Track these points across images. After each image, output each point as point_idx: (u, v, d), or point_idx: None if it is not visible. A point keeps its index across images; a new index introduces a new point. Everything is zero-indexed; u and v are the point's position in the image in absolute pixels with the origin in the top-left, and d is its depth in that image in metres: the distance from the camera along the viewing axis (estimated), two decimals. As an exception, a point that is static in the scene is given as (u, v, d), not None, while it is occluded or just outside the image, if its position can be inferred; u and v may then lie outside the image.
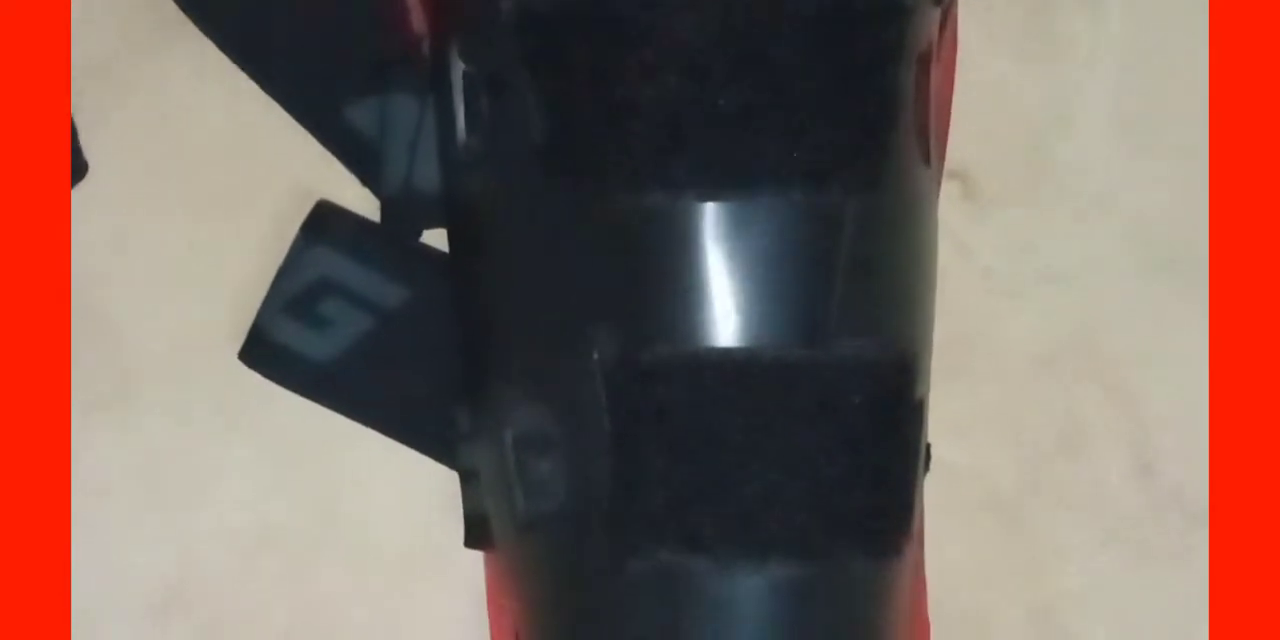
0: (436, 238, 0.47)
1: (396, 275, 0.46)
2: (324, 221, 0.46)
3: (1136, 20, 0.49)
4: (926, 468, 0.45)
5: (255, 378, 0.47)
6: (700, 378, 0.40)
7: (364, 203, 0.47)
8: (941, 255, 0.45)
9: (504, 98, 0.42)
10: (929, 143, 0.43)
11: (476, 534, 0.45)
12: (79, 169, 0.47)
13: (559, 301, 0.41)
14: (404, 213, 0.46)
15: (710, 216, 0.40)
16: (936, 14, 0.43)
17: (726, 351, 0.40)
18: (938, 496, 0.46)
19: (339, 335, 0.46)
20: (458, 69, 0.44)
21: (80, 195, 0.47)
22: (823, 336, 0.40)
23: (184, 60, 0.47)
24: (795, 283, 0.40)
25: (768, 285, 0.40)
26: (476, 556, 0.46)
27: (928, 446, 0.44)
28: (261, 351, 0.46)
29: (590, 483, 0.41)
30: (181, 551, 0.46)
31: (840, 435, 0.40)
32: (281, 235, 0.47)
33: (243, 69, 0.47)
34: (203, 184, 0.48)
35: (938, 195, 0.44)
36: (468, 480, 0.45)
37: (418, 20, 0.47)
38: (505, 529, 0.43)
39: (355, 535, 0.47)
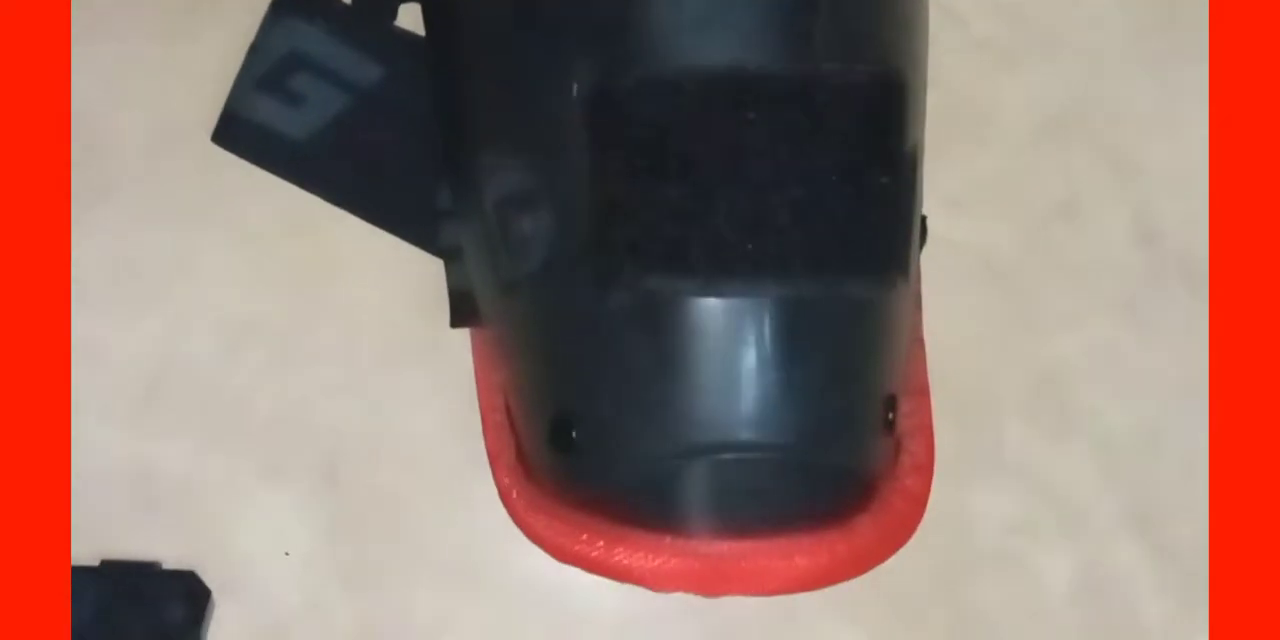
0: (409, 22, 0.46)
1: (371, 53, 0.45)
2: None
3: None
4: (923, 241, 0.44)
5: (233, 168, 0.46)
6: (682, 97, 0.38)
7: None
8: (935, 26, 0.44)
9: None
10: None
11: (462, 311, 0.44)
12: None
13: (537, 48, 0.40)
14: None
15: None
16: None
17: (709, 69, 0.38)
18: (935, 269, 0.45)
19: (314, 112, 0.45)
20: None
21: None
22: (810, 54, 0.38)
23: None
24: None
25: (751, 2, 0.38)
26: (463, 339, 0.45)
27: (923, 219, 0.43)
28: (236, 130, 0.45)
29: (572, 227, 0.39)
30: (164, 343, 0.46)
31: (830, 156, 0.38)
32: (254, 26, 0.45)
33: None
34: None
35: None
36: (451, 258, 0.44)
37: None
38: (490, 298, 0.42)
39: (339, 322, 0.46)
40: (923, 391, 0.44)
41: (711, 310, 0.38)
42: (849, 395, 0.40)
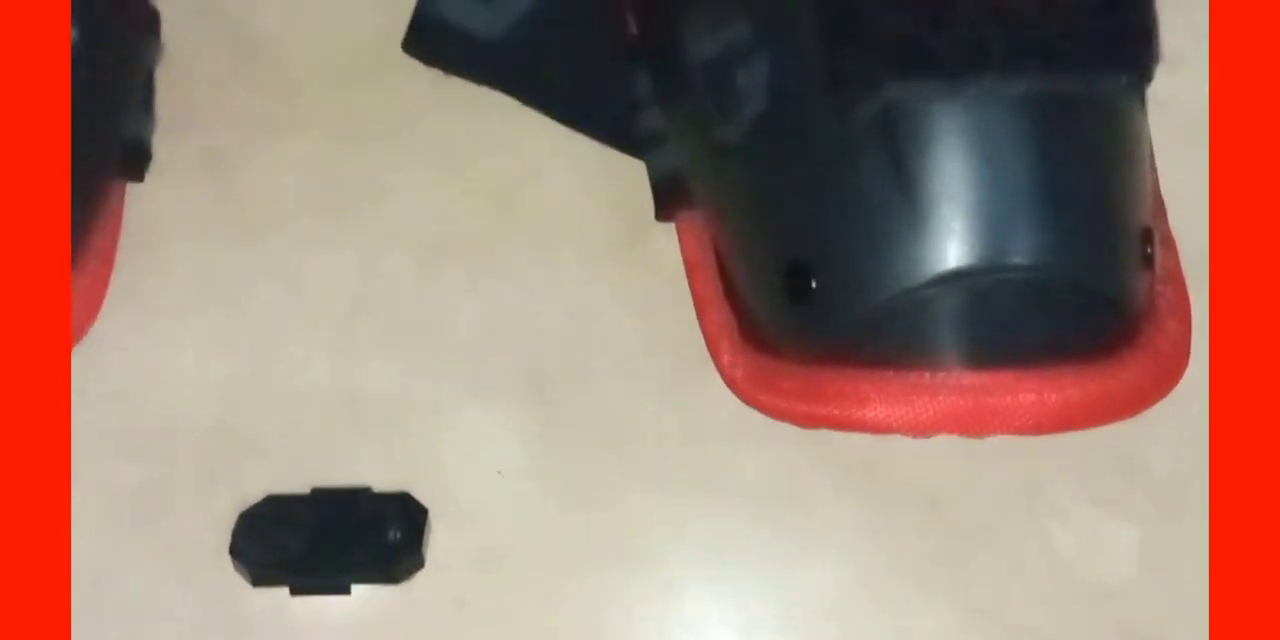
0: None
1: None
2: None
3: None
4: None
5: (422, 83, 0.45)
6: None
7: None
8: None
9: None
10: None
11: (667, 198, 0.42)
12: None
13: None
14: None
15: None
16: None
17: None
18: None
19: (503, 9, 0.43)
20: None
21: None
22: None
23: None
24: None
25: None
26: (664, 236, 0.43)
27: None
28: (428, 33, 0.44)
29: (797, 61, 0.37)
30: (363, 265, 0.44)
31: None
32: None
33: None
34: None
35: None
36: (653, 145, 0.42)
37: None
38: (703, 169, 0.41)
39: (535, 233, 0.44)
40: (1169, 243, 0.40)
41: (959, 118, 0.35)
42: (1110, 216, 0.37)
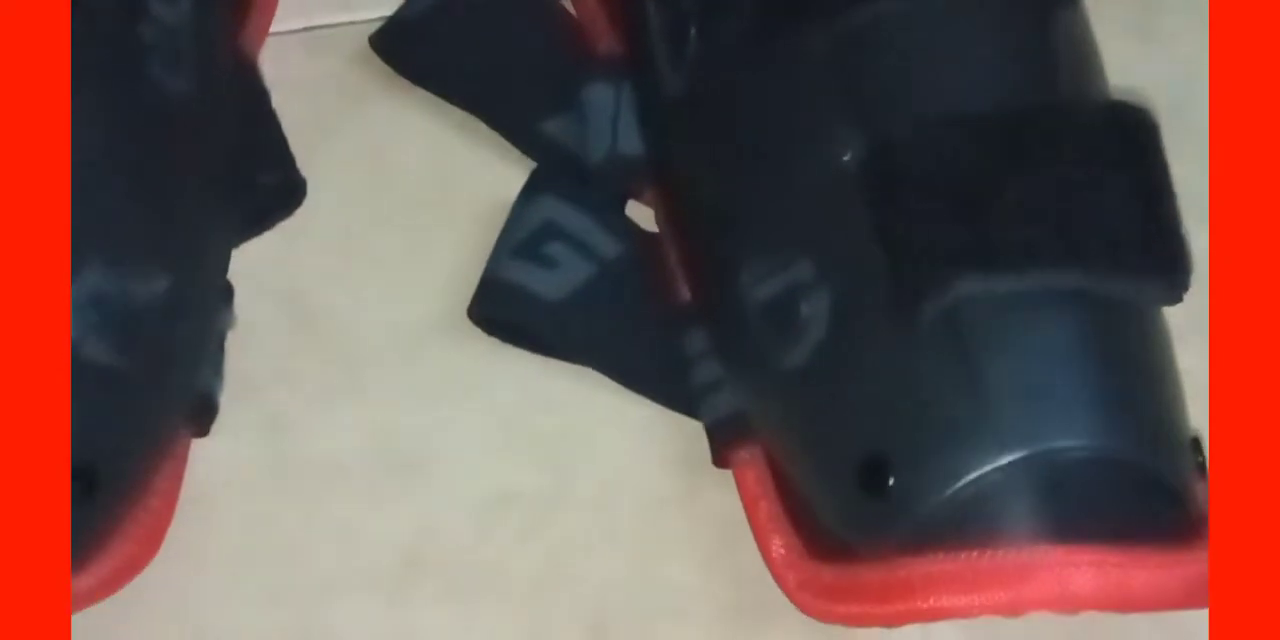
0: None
1: (612, 229, 0.47)
2: (545, 178, 0.48)
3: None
4: None
5: (477, 352, 0.47)
6: (959, 141, 0.39)
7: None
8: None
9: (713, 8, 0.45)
10: None
11: (725, 441, 0.44)
12: (296, 186, 0.50)
13: (798, 129, 0.42)
14: (611, 176, 0.48)
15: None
16: None
17: (977, 113, 0.40)
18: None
19: (566, 277, 0.46)
20: (655, 19, 0.47)
21: (303, 213, 0.50)
22: (1051, 85, 0.41)
23: (385, 106, 0.52)
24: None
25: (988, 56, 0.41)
26: (720, 483, 0.44)
27: None
28: (495, 294, 0.46)
29: (859, 283, 0.40)
30: (419, 519, 0.45)
31: (1102, 172, 0.39)
32: (483, 235, 0.48)
33: (453, 101, 0.51)
34: (410, 198, 0.50)
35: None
36: (710, 393, 0.44)
37: (597, 35, 0.51)
38: (767, 396, 0.43)
39: (593, 487, 0.45)
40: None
41: (1020, 312, 0.38)
42: (1164, 414, 0.39)
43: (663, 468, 0.46)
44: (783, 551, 0.42)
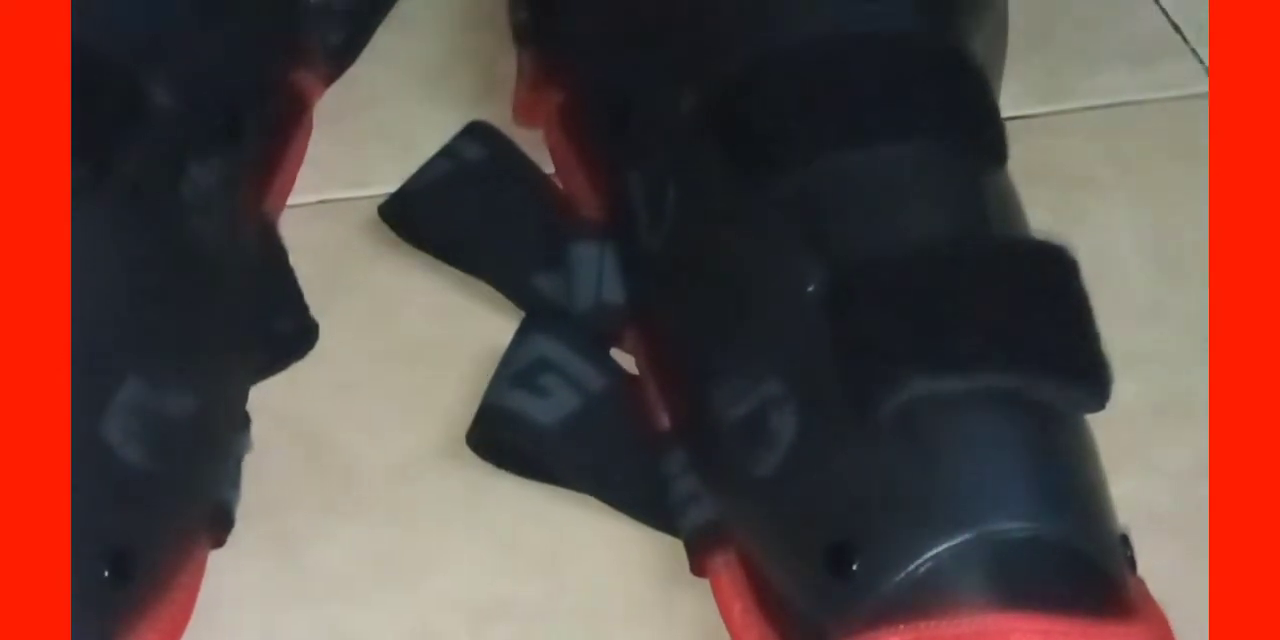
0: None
1: (598, 365, 0.53)
2: (538, 321, 0.54)
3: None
4: None
5: (473, 478, 0.52)
6: (906, 262, 0.46)
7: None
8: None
9: (689, 165, 0.51)
10: None
11: (702, 549, 0.48)
12: (309, 331, 0.55)
13: (767, 266, 0.48)
14: (596, 320, 0.54)
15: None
16: None
17: (932, 248, 0.46)
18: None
19: (557, 405, 0.51)
20: (634, 183, 0.53)
21: (314, 355, 0.55)
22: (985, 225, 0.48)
23: (391, 266, 0.58)
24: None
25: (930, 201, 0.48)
26: (700, 593, 0.48)
27: None
28: (494, 418, 0.51)
29: (821, 394, 0.45)
30: (417, 625, 0.48)
31: (1033, 296, 0.46)
32: (478, 375, 0.53)
33: (452, 262, 0.57)
34: (411, 343, 0.56)
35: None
36: (690, 505, 0.49)
37: (581, 203, 0.58)
38: (742, 502, 0.47)
39: (581, 596, 0.49)
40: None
41: (970, 410, 0.44)
42: (1097, 506, 0.44)
43: (645, 578, 0.50)
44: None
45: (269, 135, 0.58)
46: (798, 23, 0.51)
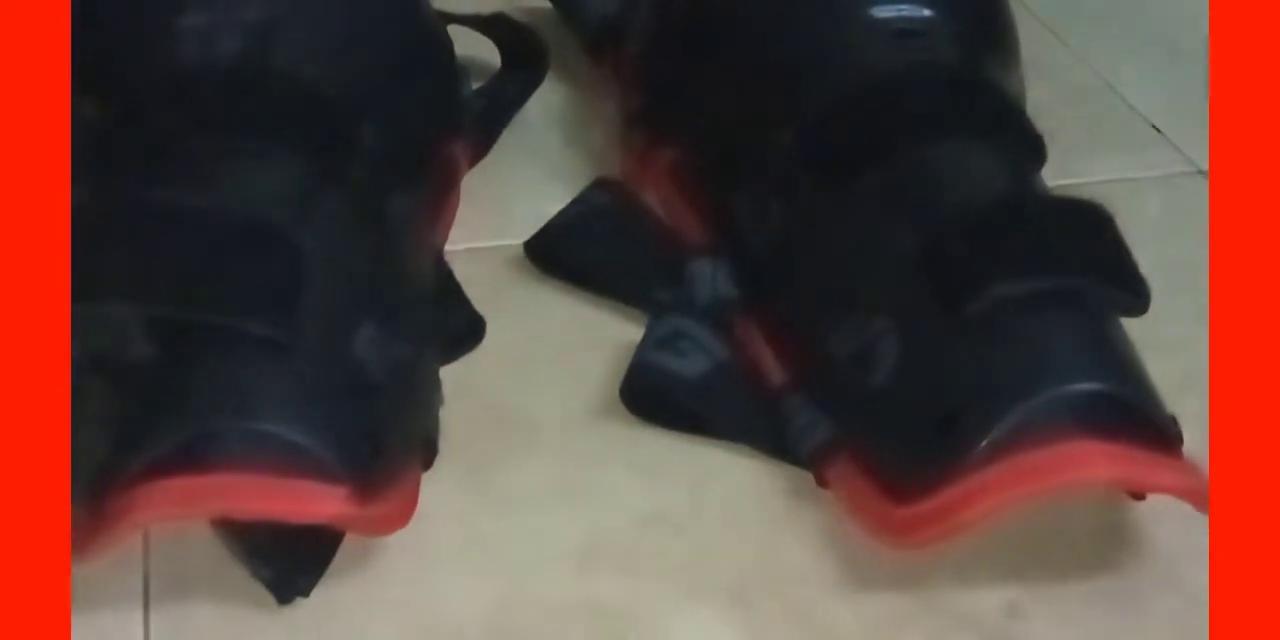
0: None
1: (721, 340, 0.65)
2: (673, 307, 0.67)
3: None
4: None
5: (622, 429, 0.63)
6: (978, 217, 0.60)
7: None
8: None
9: (791, 184, 0.65)
10: None
11: (823, 461, 0.60)
12: (478, 325, 0.68)
13: (866, 239, 0.62)
14: (714, 311, 0.67)
15: None
16: None
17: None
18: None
19: (693, 363, 0.64)
20: (743, 207, 0.68)
21: (481, 349, 0.67)
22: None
23: (530, 292, 0.70)
24: None
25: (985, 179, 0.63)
26: (818, 506, 0.60)
27: None
28: (644, 371, 0.63)
29: (920, 315, 0.58)
30: (590, 526, 0.59)
31: (1084, 232, 0.60)
32: (619, 362, 0.64)
33: (582, 284, 0.70)
34: (558, 340, 0.68)
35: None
36: (805, 432, 0.61)
37: (687, 233, 0.71)
38: (863, 415, 0.60)
39: (725, 506, 0.61)
40: None
41: (1041, 308, 0.56)
42: (1146, 379, 0.57)
43: (774, 492, 0.61)
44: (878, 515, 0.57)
45: (436, 189, 0.72)
46: (860, 67, 0.66)
